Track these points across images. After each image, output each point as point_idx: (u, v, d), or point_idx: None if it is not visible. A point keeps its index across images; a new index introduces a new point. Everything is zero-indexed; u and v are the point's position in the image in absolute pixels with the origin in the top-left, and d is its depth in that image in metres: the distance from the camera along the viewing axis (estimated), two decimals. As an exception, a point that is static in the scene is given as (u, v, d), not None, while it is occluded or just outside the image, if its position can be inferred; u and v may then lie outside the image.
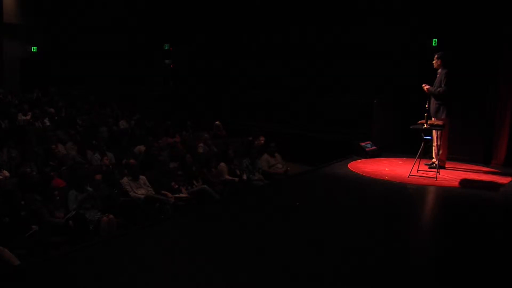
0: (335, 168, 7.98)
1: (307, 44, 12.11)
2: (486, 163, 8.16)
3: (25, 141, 8.57)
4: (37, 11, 16.77)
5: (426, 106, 6.93)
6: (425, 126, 6.88)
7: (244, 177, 8.57)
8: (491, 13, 8.16)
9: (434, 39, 9.39)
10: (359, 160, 8.41)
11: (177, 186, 7.58)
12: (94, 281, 3.81)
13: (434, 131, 7.41)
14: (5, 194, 5.78)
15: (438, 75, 7.38)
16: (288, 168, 9.36)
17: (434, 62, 7.40)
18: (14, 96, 13.37)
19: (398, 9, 9.99)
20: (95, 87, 15.55)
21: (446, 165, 7.61)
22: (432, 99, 7.26)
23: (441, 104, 7.25)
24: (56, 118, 11.42)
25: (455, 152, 7.97)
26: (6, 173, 7.12)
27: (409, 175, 7.06)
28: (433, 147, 7.64)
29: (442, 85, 7.15)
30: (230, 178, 8.47)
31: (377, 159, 8.60)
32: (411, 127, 7.12)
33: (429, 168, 7.50)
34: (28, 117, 10.97)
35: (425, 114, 6.88)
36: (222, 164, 8.64)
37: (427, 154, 7.65)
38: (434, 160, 7.57)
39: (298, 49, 12.32)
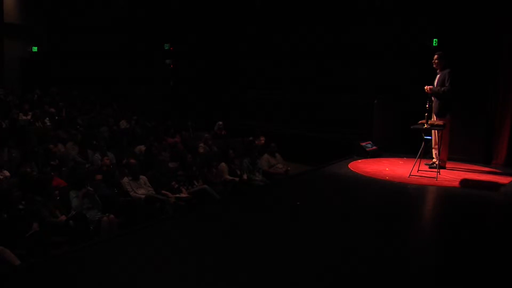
0: (336, 168, 7.98)
1: (307, 44, 12.10)
2: (486, 163, 8.17)
3: (25, 141, 8.57)
4: (37, 11, 16.77)
5: (427, 106, 6.92)
6: (426, 126, 6.87)
7: (245, 177, 8.57)
8: (491, 13, 8.16)
9: (434, 39, 9.39)
10: (360, 160, 8.41)
11: (177, 186, 7.58)
12: (94, 281, 3.81)
13: (433, 131, 7.41)
14: (5, 194, 5.78)
15: (438, 75, 7.38)
16: (289, 168, 9.36)
17: (434, 62, 7.40)
18: (15, 96, 13.36)
19: (398, 9, 9.98)
20: (95, 87, 15.56)
21: (447, 165, 7.61)
22: (435, 99, 7.26)
23: (444, 103, 7.24)
24: (56, 118, 11.42)
25: (455, 152, 7.97)
26: (7, 173, 7.12)
27: (410, 175, 7.06)
28: (433, 149, 7.64)
29: (447, 84, 7.15)
30: (231, 178, 8.46)
31: (378, 159, 8.60)
32: (411, 127, 7.11)
33: (430, 168, 7.50)
34: (29, 117, 10.97)
35: (425, 114, 6.88)
36: (223, 164, 8.64)
37: (427, 154, 7.66)
38: (434, 160, 7.56)
39: (298, 49, 12.32)
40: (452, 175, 7.21)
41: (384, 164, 8.15)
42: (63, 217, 6.09)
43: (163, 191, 7.30)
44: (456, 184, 6.77)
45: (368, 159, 8.55)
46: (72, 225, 5.96)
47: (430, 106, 7.03)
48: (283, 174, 9.15)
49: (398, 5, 9.98)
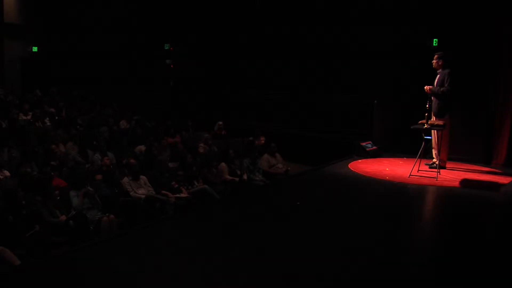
0: (336, 168, 7.98)
1: (307, 44, 12.11)
2: (486, 163, 8.16)
3: (25, 141, 8.57)
4: (37, 11, 16.76)
5: (427, 106, 6.91)
6: (426, 126, 6.87)
7: (245, 177, 8.58)
8: (491, 13, 8.16)
9: (434, 39, 9.39)
10: (360, 160, 8.41)
11: (177, 186, 7.59)
12: (94, 281, 3.81)
13: (433, 131, 7.41)
14: (7, 194, 5.79)
15: (438, 75, 7.38)
16: (289, 168, 9.37)
17: (434, 62, 7.40)
18: (15, 96, 13.35)
19: (398, 9, 9.99)
20: (95, 87, 15.56)
21: (447, 165, 7.60)
22: (434, 99, 7.25)
23: (443, 103, 7.24)
24: (56, 118, 11.43)
25: (455, 152, 7.96)
26: (7, 173, 7.13)
27: (410, 175, 7.06)
28: (433, 149, 7.64)
29: (446, 85, 7.15)
30: (231, 178, 8.47)
31: (378, 159, 8.60)
32: (411, 127, 7.10)
33: (430, 168, 7.49)
34: (29, 117, 10.97)
35: (425, 114, 6.88)
36: (223, 164, 8.65)
37: (427, 154, 7.65)
38: (434, 160, 7.56)
39: (298, 49, 12.33)
40: (452, 175, 7.21)
41: (384, 164, 8.15)
42: (63, 217, 6.10)
43: (163, 191, 7.30)
44: (456, 184, 6.77)
45: (368, 159, 8.55)
46: (72, 225, 5.97)
47: (430, 106, 7.03)
48: (283, 174, 9.16)
49: (399, 5, 9.98)
